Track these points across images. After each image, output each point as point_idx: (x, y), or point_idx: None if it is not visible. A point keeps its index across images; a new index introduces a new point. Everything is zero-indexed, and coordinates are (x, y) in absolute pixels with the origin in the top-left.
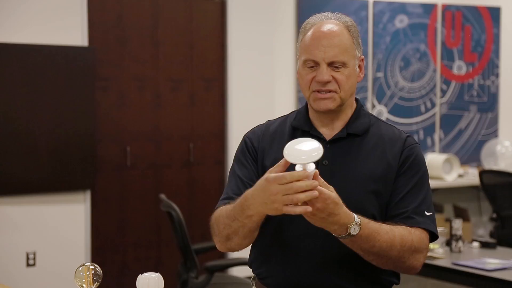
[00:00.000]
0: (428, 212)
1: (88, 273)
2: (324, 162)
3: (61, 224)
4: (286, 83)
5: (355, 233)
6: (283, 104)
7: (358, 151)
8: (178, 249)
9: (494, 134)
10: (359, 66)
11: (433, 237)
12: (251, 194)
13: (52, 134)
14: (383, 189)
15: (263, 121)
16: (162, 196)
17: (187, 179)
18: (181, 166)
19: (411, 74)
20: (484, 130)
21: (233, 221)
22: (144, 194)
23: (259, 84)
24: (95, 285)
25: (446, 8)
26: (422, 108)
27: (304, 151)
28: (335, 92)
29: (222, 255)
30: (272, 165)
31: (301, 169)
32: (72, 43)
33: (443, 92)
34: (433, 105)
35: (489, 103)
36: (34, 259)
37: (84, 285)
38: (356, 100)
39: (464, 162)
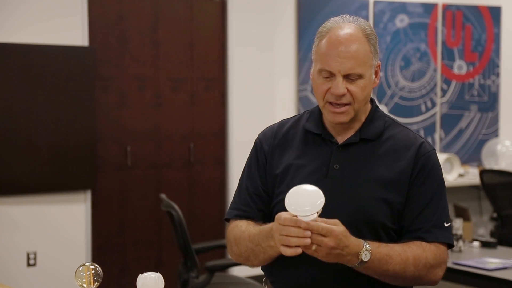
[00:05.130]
0: (446, 223)
1: (88, 273)
2: (335, 167)
3: (62, 224)
4: (287, 83)
5: (367, 259)
6: (284, 103)
7: (370, 156)
8: (179, 249)
9: (494, 133)
10: (376, 72)
11: (450, 245)
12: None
13: (52, 134)
14: (395, 197)
15: (263, 121)
16: (163, 196)
17: (188, 179)
18: (181, 166)
19: (411, 74)
20: (484, 130)
21: (256, 246)
22: (145, 194)
23: (259, 83)
24: (95, 285)
25: (446, 7)
26: (423, 108)
27: (306, 202)
28: (349, 104)
29: (222, 255)
30: (282, 174)
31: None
32: (73, 43)
33: (444, 92)
34: (434, 104)
35: (489, 103)
36: (34, 259)
37: (85, 285)
38: (372, 101)
39: (464, 161)
